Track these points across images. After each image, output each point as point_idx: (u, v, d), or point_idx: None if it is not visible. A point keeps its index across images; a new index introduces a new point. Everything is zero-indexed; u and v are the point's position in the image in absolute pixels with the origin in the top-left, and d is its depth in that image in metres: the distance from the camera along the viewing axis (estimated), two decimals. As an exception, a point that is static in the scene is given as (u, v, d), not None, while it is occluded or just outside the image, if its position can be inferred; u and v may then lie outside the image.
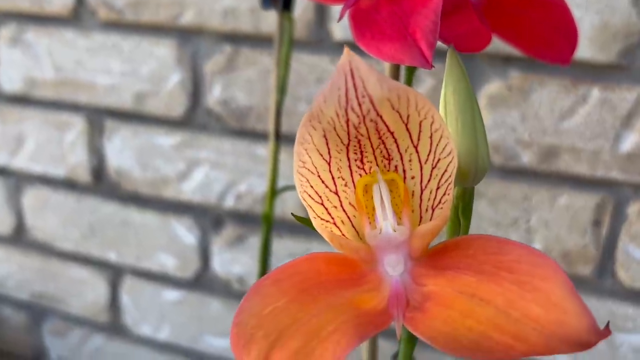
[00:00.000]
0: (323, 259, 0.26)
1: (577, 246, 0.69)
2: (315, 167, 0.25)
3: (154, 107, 0.82)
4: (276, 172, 0.52)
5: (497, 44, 0.66)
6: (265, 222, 0.53)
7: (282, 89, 0.50)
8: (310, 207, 0.26)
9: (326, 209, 0.26)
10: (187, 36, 0.78)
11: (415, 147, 0.25)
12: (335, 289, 0.25)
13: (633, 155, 0.65)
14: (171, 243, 0.88)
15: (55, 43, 0.84)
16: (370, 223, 0.26)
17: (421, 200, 0.26)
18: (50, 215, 0.94)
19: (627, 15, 0.62)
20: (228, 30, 0.75)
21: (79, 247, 0.94)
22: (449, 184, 0.25)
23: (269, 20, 0.73)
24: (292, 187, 0.58)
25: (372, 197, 0.26)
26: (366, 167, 0.26)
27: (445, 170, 0.25)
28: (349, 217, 0.26)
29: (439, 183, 0.25)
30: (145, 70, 0.81)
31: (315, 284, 0.25)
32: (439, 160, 0.25)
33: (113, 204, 0.89)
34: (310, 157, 0.25)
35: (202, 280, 0.88)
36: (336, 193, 0.26)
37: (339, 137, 0.25)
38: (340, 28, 0.71)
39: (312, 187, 0.26)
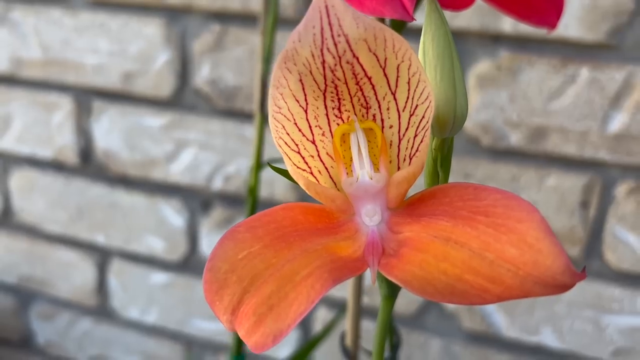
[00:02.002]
0: (300, 209, 0.26)
1: (565, 227, 0.69)
2: (292, 114, 0.25)
3: (142, 87, 0.81)
4: (262, 145, 0.52)
5: (487, 22, 0.66)
6: (251, 195, 0.52)
7: (267, 59, 0.50)
8: (286, 154, 0.25)
9: (303, 157, 0.26)
10: (175, 15, 0.77)
11: (394, 94, 0.24)
12: (311, 236, 0.24)
13: (621, 135, 0.65)
14: (159, 225, 0.87)
15: (42, 22, 0.83)
16: (347, 172, 0.26)
17: (399, 149, 0.26)
18: (37, 197, 0.93)
19: (617, -6, 0.62)
20: (216, 9, 0.75)
21: (66, 229, 0.93)
22: (426, 130, 0.24)
23: (258, -1, 0.73)
24: (278, 160, 0.58)
25: (349, 147, 0.25)
26: (344, 116, 0.25)
27: (423, 117, 0.24)
28: (326, 168, 0.26)
29: (416, 131, 0.25)
30: (133, 49, 0.80)
31: (291, 231, 0.24)
32: (416, 106, 0.24)
33: (101, 186, 0.89)
34: (286, 102, 0.25)
35: (190, 263, 0.88)
36: (313, 142, 0.26)
37: (316, 82, 0.24)
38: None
39: (288, 134, 0.25)
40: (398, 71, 0.24)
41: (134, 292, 0.93)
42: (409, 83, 0.24)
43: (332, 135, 0.25)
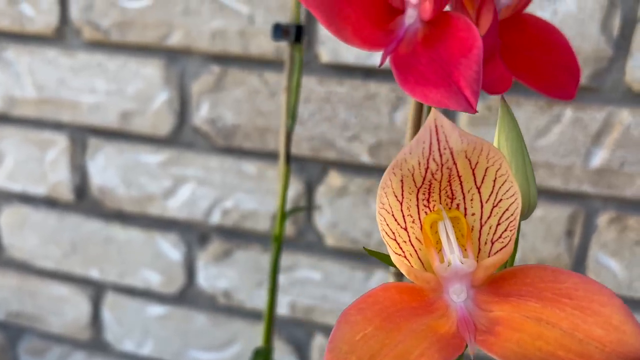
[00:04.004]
0: (395, 289, 0.29)
1: (552, 255, 0.74)
2: (391, 207, 0.28)
3: (140, 125, 0.83)
4: (286, 194, 0.55)
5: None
6: (276, 243, 0.55)
7: (292, 115, 0.53)
8: (387, 243, 0.29)
9: (398, 243, 0.29)
10: (174, 56, 0.79)
11: (478, 189, 0.28)
12: (412, 316, 0.28)
13: (602, 170, 0.70)
14: (156, 259, 0.89)
15: (37, 62, 0.84)
16: (438, 255, 0.29)
17: (480, 234, 0.29)
18: (29, 233, 0.93)
19: (597, 42, 0.67)
20: (216, 52, 0.77)
21: (59, 265, 0.93)
22: (511, 221, 0.28)
23: (258, 42, 0.76)
24: (300, 209, 0.60)
25: (436, 231, 0.29)
26: (431, 205, 0.29)
27: (507, 209, 0.28)
28: (415, 250, 0.30)
29: (499, 220, 0.29)
30: (132, 89, 0.82)
31: (394, 311, 0.28)
32: (500, 200, 0.28)
33: (96, 222, 0.90)
34: (388, 199, 0.28)
35: (187, 295, 0.89)
36: (405, 229, 0.29)
37: (414, 182, 0.28)
38: (327, 51, 0.74)
39: (387, 225, 0.29)
40: (486, 172, 0.28)
41: (129, 325, 0.94)
42: (494, 181, 0.28)
43: (420, 222, 0.29)
